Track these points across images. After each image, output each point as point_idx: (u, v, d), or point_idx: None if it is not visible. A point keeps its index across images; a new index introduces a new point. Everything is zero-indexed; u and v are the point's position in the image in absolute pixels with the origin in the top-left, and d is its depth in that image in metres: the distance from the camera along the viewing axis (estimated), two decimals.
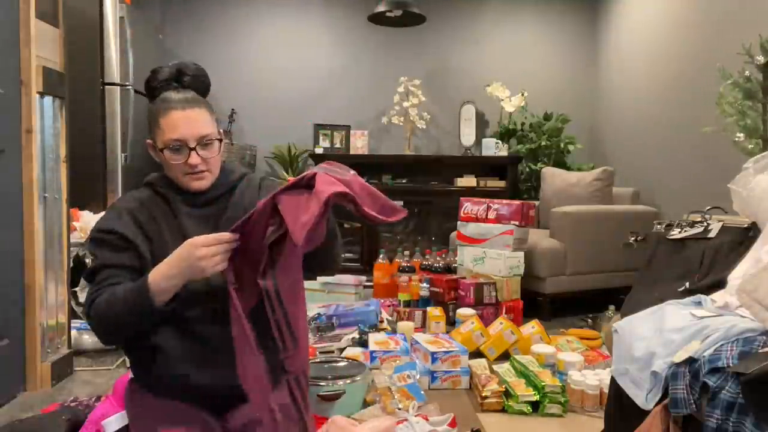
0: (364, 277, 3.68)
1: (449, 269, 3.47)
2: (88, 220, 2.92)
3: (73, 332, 2.51)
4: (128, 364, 1.43)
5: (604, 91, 4.81)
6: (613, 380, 1.54)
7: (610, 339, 2.22)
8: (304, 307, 1.17)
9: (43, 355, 2.25)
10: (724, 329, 1.24)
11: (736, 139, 2.17)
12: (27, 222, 2.20)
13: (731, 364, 1.12)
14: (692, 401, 1.18)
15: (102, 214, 1.43)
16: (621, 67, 4.50)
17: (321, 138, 4.84)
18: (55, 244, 2.35)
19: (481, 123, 4.97)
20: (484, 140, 4.71)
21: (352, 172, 1.17)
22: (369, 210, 1.11)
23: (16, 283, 2.17)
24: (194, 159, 1.31)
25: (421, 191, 4.64)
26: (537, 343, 2.54)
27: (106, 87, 3.59)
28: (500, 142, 4.66)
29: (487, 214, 3.41)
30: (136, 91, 3.69)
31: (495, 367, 2.32)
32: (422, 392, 2.08)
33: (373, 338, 2.54)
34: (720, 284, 1.53)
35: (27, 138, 2.20)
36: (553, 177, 4.06)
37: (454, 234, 3.77)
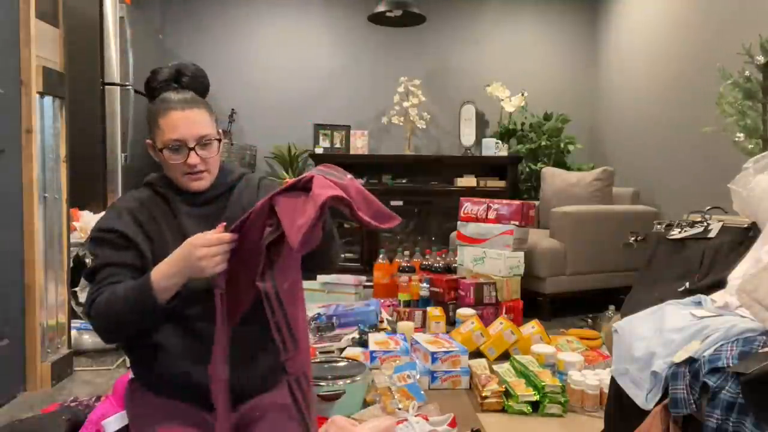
0: (364, 277, 3.68)
1: (449, 269, 3.47)
2: (88, 220, 2.92)
3: (73, 332, 2.51)
4: (128, 364, 1.43)
5: (604, 91, 4.81)
6: (613, 380, 1.54)
7: (610, 339, 2.22)
8: (304, 307, 1.17)
9: (43, 355, 2.25)
10: (724, 329, 1.24)
11: (736, 139, 2.17)
12: (27, 222, 2.20)
13: (731, 364, 1.13)
14: (692, 401, 1.18)
15: (102, 214, 1.43)
16: (621, 67, 4.50)
17: (321, 138, 4.84)
18: (55, 244, 2.35)
19: (481, 123, 4.97)
20: (484, 140, 4.72)
21: (349, 175, 1.17)
22: (363, 215, 1.11)
23: (16, 283, 2.18)
24: (193, 159, 1.32)
25: (421, 191, 4.64)
26: (537, 343, 2.54)
27: (106, 87, 3.59)
28: (500, 142, 4.66)
29: (487, 214, 3.41)
30: (136, 91, 3.69)
31: (495, 367, 2.32)
32: (422, 392, 2.08)
33: (373, 338, 2.54)
34: (720, 284, 1.53)
35: (27, 138, 2.20)
36: (553, 177, 4.06)
37: (454, 234, 3.77)
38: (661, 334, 1.36)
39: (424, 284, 3.34)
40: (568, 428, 1.96)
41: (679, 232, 1.85)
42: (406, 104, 4.70)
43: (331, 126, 4.87)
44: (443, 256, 3.64)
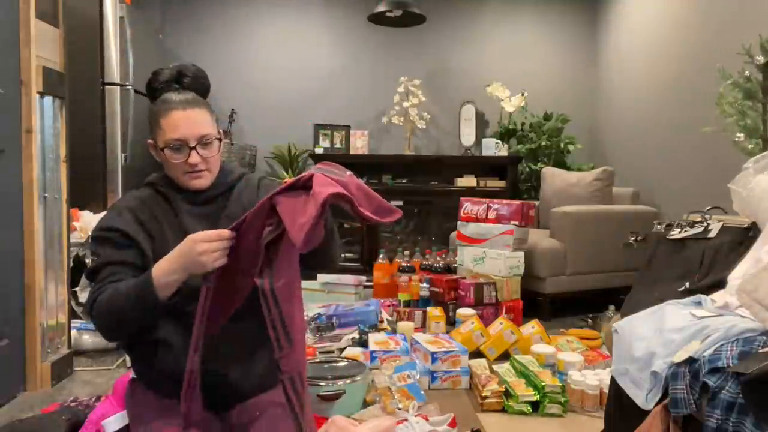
0: (364, 277, 3.68)
1: (449, 269, 3.47)
2: (88, 220, 2.92)
3: (73, 332, 2.51)
4: (128, 364, 1.44)
5: (604, 91, 4.81)
6: (613, 380, 1.54)
7: (610, 339, 2.22)
8: (301, 306, 1.17)
9: (43, 355, 2.25)
10: (724, 329, 1.24)
11: (736, 139, 2.17)
12: (27, 222, 2.20)
13: (731, 364, 1.13)
14: (692, 401, 1.18)
15: (102, 214, 1.44)
16: (621, 67, 4.51)
17: (321, 138, 4.84)
18: (55, 244, 2.35)
19: (481, 123, 4.97)
20: (484, 140, 4.72)
21: (349, 172, 1.18)
22: (365, 210, 1.12)
23: (16, 283, 2.18)
24: (194, 158, 1.34)
25: (421, 191, 4.64)
26: (537, 343, 2.54)
27: (106, 87, 3.59)
28: (500, 142, 4.66)
29: (487, 214, 3.41)
30: (136, 91, 3.69)
31: (495, 367, 2.32)
32: (422, 392, 2.08)
33: (373, 338, 2.54)
34: (720, 284, 1.53)
35: (27, 138, 2.20)
36: (553, 177, 4.06)
37: (454, 234, 3.77)
38: (661, 334, 1.36)
39: (424, 284, 3.34)
40: (568, 428, 1.96)
41: (679, 232, 1.85)
42: (406, 104, 4.70)
43: (331, 126, 4.87)
44: (443, 256, 3.64)
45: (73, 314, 2.52)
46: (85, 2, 3.51)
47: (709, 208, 1.91)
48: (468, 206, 3.52)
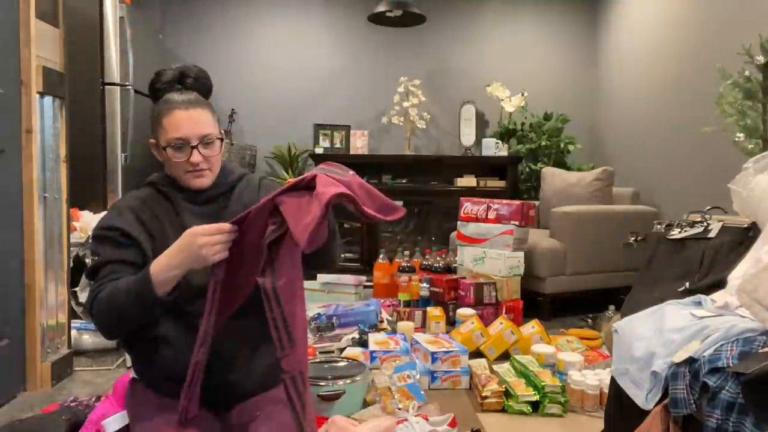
0: (364, 277, 3.68)
1: (449, 269, 3.47)
2: (88, 220, 2.92)
3: (73, 332, 2.51)
4: (128, 364, 1.44)
5: (604, 91, 4.81)
6: (613, 380, 1.54)
7: (610, 339, 2.22)
8: (303, 306, 1.17)
9: (43, 355, 2.25)
10: (724, 329, 1.24)
11: (736, 139, 2.17)
12: (27, 222, 2.20)
13: (731, 364, 1.13)
14: (692, 401, 1.18)
15: (102, 214, 1.44)
16: (621, 67, 4.51)
17: (321, 138, 4.84)
18: (55, 244, 2.35)
19: (481, 123, 4.97)
20: (484, 140, 4.72)
21: (351, 172, 1.19)
22: (368, 209, 1.12)
23: (16, 283, 2.18)
24: (196, 157, 1.34)
25: (421, 191, 4.64)
26: (537, 343, 2.54)
27: (106, 87, 3.58)
28: (500, 142, 4.66)
29: (487, 214, 3.42)
30: (136, 91, 3.69)
31: (495, 367, 2.32)
32: (422, 392, 2.08)
33: (373, 338, 2.54)
34: (720, 284, 1.53)
35: (27, 138, 2.20)
36: (553, 177, 4.06)
37: (454, 234, 3.77)
38: (661, 334, 1.36)
39: (424, 284, 3.34)
40: (568, 428, 1.96)
41: (679, 232, 1.85)
42: (406, 104, 4.70)
43: (331, 126, 4.87)
44: (443, 256, 3.64)
45: (73, 314, 2.52)
46: (85, 2, 3.51)
47: (709, 208, 1.91)
48: (468, 206, 3.52)
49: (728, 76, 2.22)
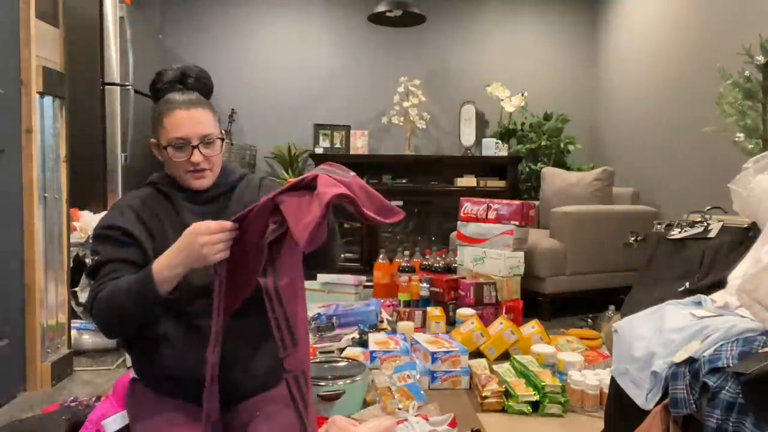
0: (364, 277, 3.68)
1: (449, 269, 3.47)
2: (88, 220, 2.92)
3: (73, 332, 2.51)
4: (128, 364, 1.44)
5: (604, 91, 4.81)
6: (613, 380, 1.54)
7: (610, 339, 2.22)
8: (305, 305, 1.17)
9: (43, 355, 2.25)
10: (724, 329, 1.24)
11: (736, 139, 2.17)
12: (27, 222, 2.20)
13: (731, 364, 1.13)
14: (692, 401, 1.18)
15: (103, 214, 1.44)
16: (621, 67, 4.51)
17: (321, 138, 4.84)
18: (55, 244, 2.35)
19: (481, 123, 4.97)
20: (484, 140, 4.72)
21: (352, 173, 1.19)
22: (368, 211, 1.13)
23: (16, 283, 2.18)
24: (197, 157, 1.35)
25: (421, 191, 4.64)
26: (537, 343, 2.54)
27: (106, 87, 3.58)
28: (500, 142, 4.66)
29: (487, 214, 3.42)
30: (136, 91, 3.69)
31: (495, 367, 2.32)
32: (422, 392, 2.08)
33: (373, 338, 2.54)
34: (720, 284, 1.53)
35: (27, 138, 2.20)
36: (553, 177, 4.07)
37: (454, 234, 3.77)
38: (661, 334, 1.36)
39: (424, 284, 3.34)
40: (568, 428, 1.96)
41: (679, 232, 1.85)
42: (406, 104, 4.70)
43: (331, 126, 4.87)
44: (443, 256, 3.64)
45: (73, 314, 2.52)
46: (85, 2, 3.51)
47: (709, 208, 1.91)
48: (468, 206, 3.52)
49: (728, 76, 2.22)
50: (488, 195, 3.95)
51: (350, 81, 4.99)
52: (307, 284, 3.42)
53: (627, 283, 3.03)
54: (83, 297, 2.62)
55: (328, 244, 1.25)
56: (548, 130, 4.65)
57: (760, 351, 1.12)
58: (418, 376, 2.18)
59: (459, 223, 3.54)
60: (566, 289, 3.43)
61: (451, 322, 3.03)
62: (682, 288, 1.65)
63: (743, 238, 1.64)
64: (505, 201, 3.43)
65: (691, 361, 1.22)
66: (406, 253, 3.74)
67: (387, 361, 2.34)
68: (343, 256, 4.49)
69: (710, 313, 1.37)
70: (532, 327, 2.74)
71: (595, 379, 2.09)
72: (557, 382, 2.07)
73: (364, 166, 4.64)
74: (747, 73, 2.18)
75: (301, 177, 1.16)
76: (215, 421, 1.31)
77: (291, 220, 1.11)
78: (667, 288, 1.68)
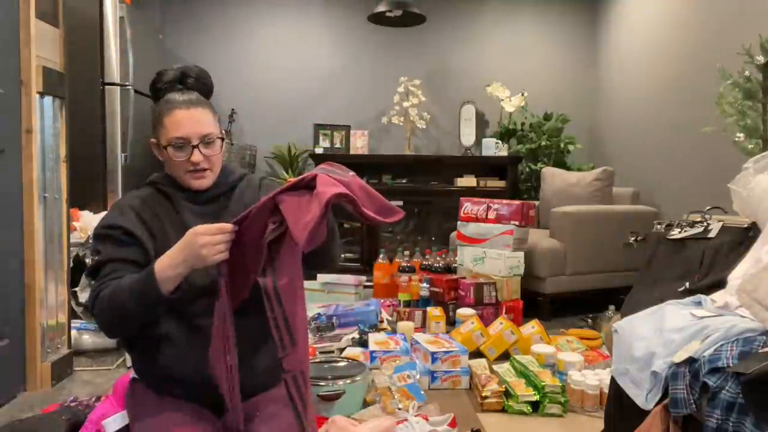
0: (364, 277, 3.68)
1: (449, 269, 3.47)
2: (88, 220, 2.92)
3: (73, 332, 2.51)
4: (128, 364, 1.44)
5: (604, 91, 4.81)
6: (613, 380, 1.54)
7: (610, 339, 2.22)
8: (304, 305, 1.18)
9: (43, 355, 2.25)
10: (724, 329, 1.24)
11: (736, 139, 2.17)
12: (27, 222, 2.20)
13: (731, 364, 1.13)
14: (692, 401, 1.18)
15: (103, 214, 1.44)
16: (621, 67, 4.51)
17: (321, 138, 4.84)
18: (55, 244, 2.35)
19: (481, 123, 4.97)
20: (484, 140, 4.72)
21: (351, 173, 1.19)
22: (367, 211, 1.13)
23: (16, 283, 2.18)
24: (197, 156, 1.35)
25: (421, 191, 4.64)
26: (537, 343, 2.54)
27: (106, 87, 3.58)
28: (500, 142, 4.66)
29: (487, 214, 3.42)
30: (136, 91, 3.69)
31: (495, 367, 2.32)
32: (422, 392, 2.08)
33: (373, 338, 2.54)
34: (720, 284, 1.53)
35: (27, 138, 2.20)
36: (553, 177, 4.07)
37: (454, 234, 3.77)
38: (661, 334, 1.36)
39: (424, 284, 3.34)
40: (568, 428, 1.96)
41: (679, 232, 1.85)
42: (406, 104, 4.70)
43: (331, 126, 4.87)
44: (443, 256, 3.64)
45: (73, 314, 2.52)
46: (85, 2, 3.51)
47: (709, 208, 1.91)
48: (468, 206, 3.52)
49: (728, 76, 2.22)
50: (488, 195, 3.95)
51: (350, 81, 4.99)
52: (307, 284, 3.43)
53: (627, 283, 3.03)
54: (83, 297, 2.62)
55: (328, 243, 1.25)
56: (548, 130, 4.65)
57: (760, 351, 1.12)
58: (418, 376, 2.18)
59: (459, 223, 3.54)
60: (566, 289, 3.43)
61: (451, 322, 3.03)
62: (682, 288, 1.65)
63: (743, 238, 1.64)
64: (505, 201, 3.43)
65: (691, 361, 1.22)
66: (406, 253, 3.74)
67: (387, 361, 2.34)
68: (343, 256, 4.50)
69: (710, 313, 1.37)
70: (532, 327, 2.74)
71: (595, 379, 2.09)
72: (557, 382, 2.07)
73: (364, 166, 4.64)
74: (747, 73, 2.18)
75: (300, 177, 1.16)
76: (216, 421, 1.31)
77: (290, 220, 1.11)
78: (667, 288, 1.68)
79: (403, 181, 4.70)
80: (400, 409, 1.91)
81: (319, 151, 4.73)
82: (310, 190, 1.12)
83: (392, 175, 4.72)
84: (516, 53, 5.01)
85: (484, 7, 5.00)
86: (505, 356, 2.57)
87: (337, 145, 4.84)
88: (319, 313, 2.92)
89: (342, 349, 2.56)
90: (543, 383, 2.05)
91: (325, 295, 3.46)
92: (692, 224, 1.85)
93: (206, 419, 1.30)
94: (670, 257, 1.83)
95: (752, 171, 1.62)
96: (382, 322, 2.98)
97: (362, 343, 2.60)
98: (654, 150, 3.92)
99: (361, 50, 5.00)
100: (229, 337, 1.21)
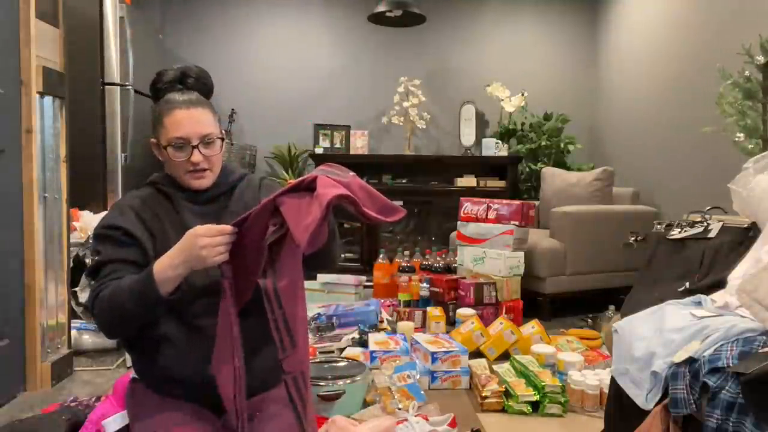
0: (364, 277, 3.68)
1: (449, 269, 3.47)
2: (88, 220, 2.92)
3: (73, 332, 2.51)
4: (128, 364, 1.44)
5: (604, 91, 4.81)
6: (613, 380, 1.54)
7: (610, 339, 2.22)
8: (304, 306, 1.18)
9: (43, 355, 2.25)
10: (724, 329, 1.24)
11: (736, 139, 2.17)
12: (27, 222, 2.20)
13: (731, 364, 1.13)
14: (692, 401, 1.18)
15: (103, 214, 1.44)
16: (621, 67, 4.51)
17: (321, 138, 4.84)
18: (55, 244, 2.35)
19: (481, 123, 4.97)
20: (484, 140, 4.72)
21: (352, 173, 1.19)
22: (369, 211, 1.13)
23: (16, 283, 2.18)
24: (197, 156, 1.35)
25: (421, 191, 4.64)
26: (537, 343, 2.54)
27: (106, 87, 3.58)
28: (500, 142, 4.66)
29: (487, 214, 3.42)
30: (136, 91, 3.69)
31: (495, 367, 2.32)
32: (422, 392, 2.08)
33: (373, 338, 2.54)
34: (720, 284, 1.53)
35: (27, 138, 2.20)
36: (553, 177, 4.07)
37: (454, 234, 3.77)
38: (661, 334, 1.36)
39: (424, 284, 3.34)
40: (568, 428, 1.96)
41: (679, 232, 1.85)
42: (406, 104, 4.70)
43: (331, 126, 4.87)
44: (443, 256, 3.64)
45: (73, 314, 2.52)
46: (85, 2, 3.51)
47: (709, 208, 1.91)
48: (468, 206, 3.52)
49: (728, 76, 2.22)
50: (488, 195, 3.95)
51: (350, 81, 4.99)
52: (307, 284, 3.42)
53: (627, 283, 3.03)
54: (83, 297, 2.62)
55: (329, 245, 1.25)
56: (548, 130, 4.65)
57: (760, 351, 1.12)
58: (418, 376, 2.18)
59: (459, 223, 3.54)
60: (566, 289, 3.43)
61: (451, 322, 3.03)
62: (682, 288, 1.65)
63: (743, 238, 1.65)
64: (505, 201, 3.43)
65: (691, 361, 1.22)
66: (406, 253, 3.74)
67: (387, 361, 2.34)
68: (343, 256, 4.50)
69: (710, 313, 1.37)
70: (532, 327, 2.74)
71: (595, 379, 2.09)
72: (557, 382, 2.07)
73: (364, 166, 4.64)
74: (747, 73, 2.18)
75: (300, 179, 1.16)
76: (216, 421, 1.31)
77: (291, 222, 1.11)
78: (667, 288, 1.68)
79: (403, 181, 4.70)
80: (400, 409, 1.91)
81: (319, 151, 4.73)
82: (310, 192, 1.12)
83: (392, 175, 4.72)
84: (516, 53, 5.01)
85: (484, 7, 5.00)
86: (505, 356, 2.57)
87: (337, 145, 4.84)
88: (319, 313, 2.92)
89: (342, 349, 2.56)
90: (543, 383, 2.05)
91: (325, 295, 3.46)
92: (692, 224, 1.85)
93: (206, 419, 1.30)
94: (670, 257, 1.83)
95: (752, 171, 1.62)
96: (382, 322, 2.98)
97: (362, 343, 2.60)
98: (654, 150, 3.92)
99: (361, 50, 5.00)
100: (236, 339, 1.20)
